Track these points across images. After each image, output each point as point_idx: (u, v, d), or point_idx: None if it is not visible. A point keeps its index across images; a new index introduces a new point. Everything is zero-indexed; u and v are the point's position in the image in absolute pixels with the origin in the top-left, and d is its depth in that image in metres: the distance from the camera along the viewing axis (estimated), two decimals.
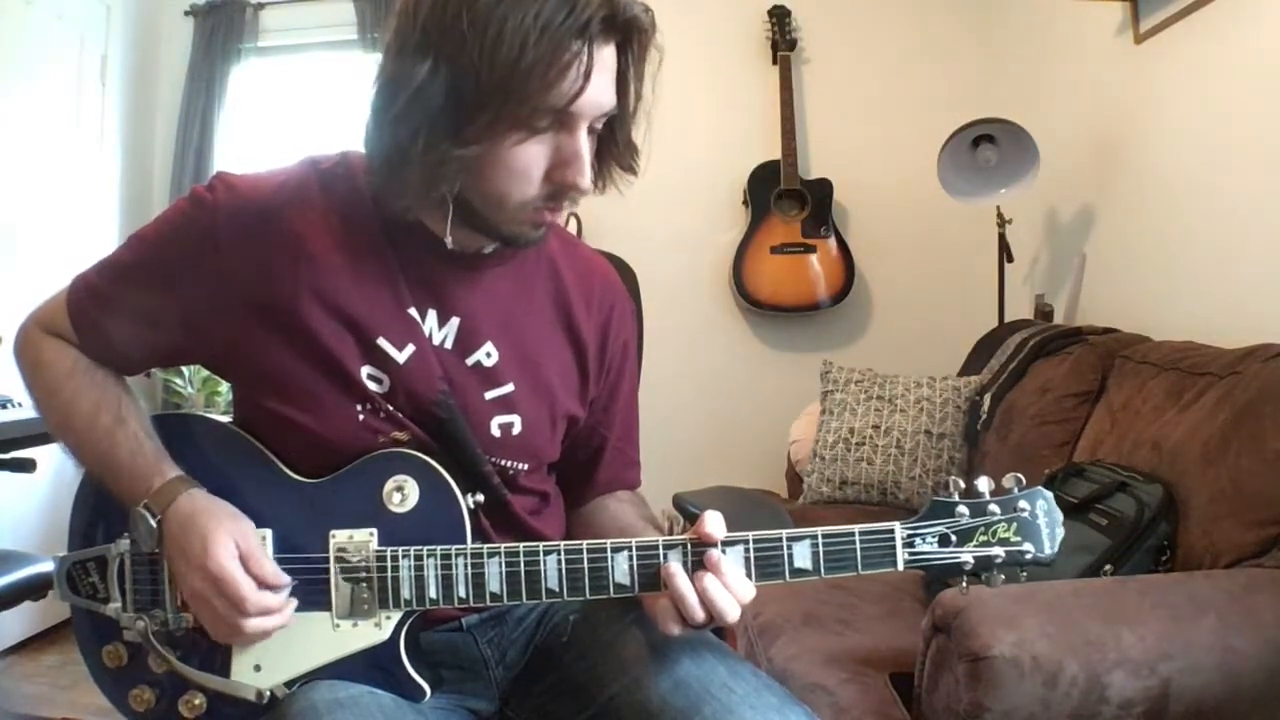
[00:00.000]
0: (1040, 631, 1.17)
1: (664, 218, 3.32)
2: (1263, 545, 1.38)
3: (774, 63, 3.30)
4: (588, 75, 0.83)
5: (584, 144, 0.87)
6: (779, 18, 3.30)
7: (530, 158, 0.86)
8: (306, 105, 3.58)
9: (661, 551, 0.89)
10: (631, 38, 0.87)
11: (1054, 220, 2.87)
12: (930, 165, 2.68)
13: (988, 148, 2.66)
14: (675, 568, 0.87)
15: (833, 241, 3.21)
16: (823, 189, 3.23)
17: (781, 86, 3.26)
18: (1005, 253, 2.82)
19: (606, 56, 0.85)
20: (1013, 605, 1.21)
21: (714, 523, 0.89)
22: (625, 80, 0.89)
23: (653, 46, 0.89)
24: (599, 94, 0.85)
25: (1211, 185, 2.05)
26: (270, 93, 3.59)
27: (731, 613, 0.86)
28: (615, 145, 0.93)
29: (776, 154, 3.24)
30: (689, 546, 0.89)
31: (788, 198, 3.23)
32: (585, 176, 0.88)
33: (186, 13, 3.57)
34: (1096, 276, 2.58)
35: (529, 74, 0.81)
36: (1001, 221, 2.79)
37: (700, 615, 0.86)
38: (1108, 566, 1.50)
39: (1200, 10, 2.05)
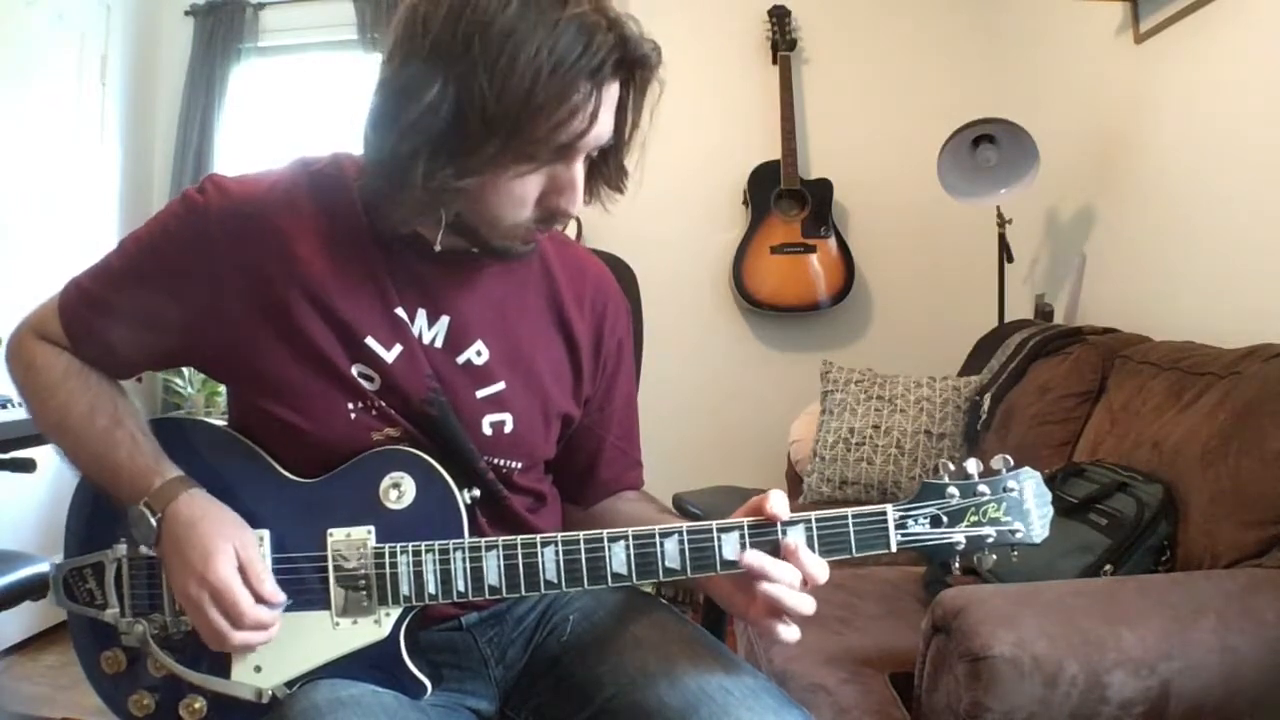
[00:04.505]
0: (1040, 631, 1.17)
1: (664, 218, 3.31)
2: (1263, 545, 1.38)
3: (774, 63, 3.30)
4: (594, 116, 0.83)
5: (579, 174, 0.88)
6: (779, 18, 3.30)
7: (527, 187, 0.87)
8: (306, 105, 3.58)
9: (752, 533, 0.88)
10: (636, 74, 0.87)
11: (1054, 220, 2.86)
12: (930, 165, 2.68)
13: (988, 148, 2.66)
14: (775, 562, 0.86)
15: (833, 241, 3.21)
16: (823, 189, 3.23)
17: (781, 86, 3.26)
18: (1005, 253, 2.82)
19: (611, 92, 0.85)
20: (1013, 605, 1.21)
21: (779, 502, 0.88)
22: (624, 111, 0.89)
23: (655, 80, 0.89)
24: (602, 130, 0.86)
25: (1211, 185, 2.04)
26: (270, 93, 3.59)
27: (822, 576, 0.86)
28: (606, 169, 0.94)
29: (776, 154, 3.23)
30: (745, 530, 0.88)
31: (788, 198, 3.23)
32: (576, 205, 0.89)
33: (186, 13, 3.57)
34: (1096, 276, 2.58)
35: (538, 112, 0.80)
36: (1001, 221, 2.79)
37: (807, 605, 0.86)
38: (1108, 566, 1.50)
39: (1200, 10, 2.05)
